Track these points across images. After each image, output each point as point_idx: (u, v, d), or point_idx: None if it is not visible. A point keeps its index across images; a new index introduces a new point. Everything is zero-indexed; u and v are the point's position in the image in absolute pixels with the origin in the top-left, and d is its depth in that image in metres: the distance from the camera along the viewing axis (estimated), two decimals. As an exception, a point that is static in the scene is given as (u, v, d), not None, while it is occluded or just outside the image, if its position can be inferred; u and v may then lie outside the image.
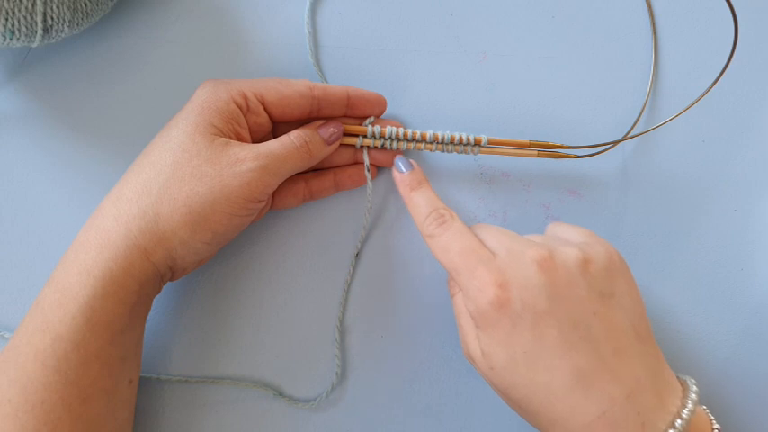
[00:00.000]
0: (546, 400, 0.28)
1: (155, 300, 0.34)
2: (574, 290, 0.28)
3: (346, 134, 0.38)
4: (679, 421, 0.27)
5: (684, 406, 0.28)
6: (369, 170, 0.38)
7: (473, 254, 0.30)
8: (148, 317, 0.34)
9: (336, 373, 0.38)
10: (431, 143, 0.38)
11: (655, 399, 0.28)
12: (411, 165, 0.36)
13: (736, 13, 0.34)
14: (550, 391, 0.28)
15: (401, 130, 0.38)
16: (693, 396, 0.29)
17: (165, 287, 0.35)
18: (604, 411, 0.27)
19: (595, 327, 0.28)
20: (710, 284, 0.40)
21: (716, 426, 0.29)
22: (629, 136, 0.40)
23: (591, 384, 0.27)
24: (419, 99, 0.41)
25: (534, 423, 0.30)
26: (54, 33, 0.35)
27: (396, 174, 0.36)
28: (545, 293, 0.28)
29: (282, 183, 0.35)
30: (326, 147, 0.36)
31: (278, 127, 0.37)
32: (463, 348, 0.33)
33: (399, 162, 0.36)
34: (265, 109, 0.35)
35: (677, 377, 0.30)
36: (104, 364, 0.30)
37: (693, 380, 0.30)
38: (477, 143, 0.38)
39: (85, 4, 0.35)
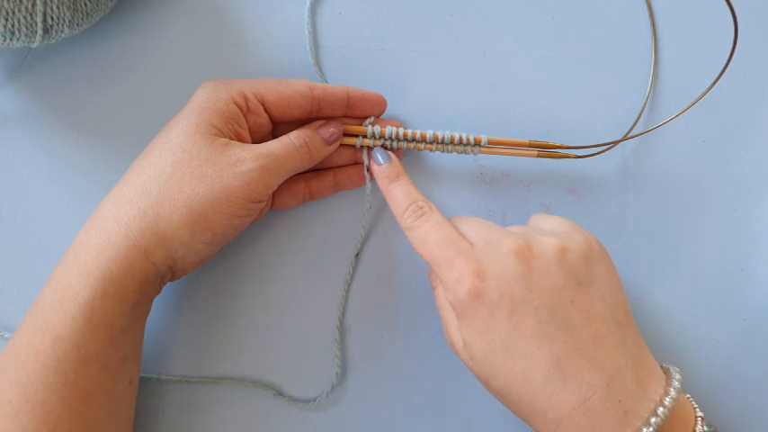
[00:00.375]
0: (525, 390, 0.28)
1: (155, 300, 0.34)
2: (551, 279, 0.29)
3: (346, 134, 0.38)
4: (661, 409, 0.27)
5: (667, 394, 0.28)
6: (368, 170, 0.38)
7: (451, 245, 0.30)
8: (148, 317, 0.34)
9: (336, 373, 0.38)
10: (431, 143, 0.38)
11: (636, 386, 0.28)
12: (389, 156, 0.36)
13: (736, 13, 0.34)
14: (529, 380, 0.28)
15: (401, 130, 0.38)
16: (676, 384, 0.28)
17: (165, 287, 0.35)
18: (584, 400, 0.27)
19: (573, 315, 0.28)
20: (710, 284, 0.40)
21: (699, 413, 0.29)
22: (628, 136, 0.40)
23: (569, 373, 0.27)
24: (419, 99, 0.41)
25: (517, 412, 0.30)
26: (54, 33, 0.35)
27: (374, 166, 0.36)
28: (522, 283, 0.28)
29: (282, 183, 0.35)
30: (326, 147, 0.36)
31: (278, 127, 0.37)
32: (447, 340, 0.33)
33: (377, 154, 0.36)
34: (265, 109, 0.35)
35: (661, 366, 0.30)
36: (104, 365, 0.30)
37: (677, 368, 0.30)
38: (477, 143, 0.38)
39: (85, 4, 0.35)
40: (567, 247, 0.30)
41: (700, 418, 0.29)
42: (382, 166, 0.36)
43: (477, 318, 0.29)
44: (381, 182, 0.36)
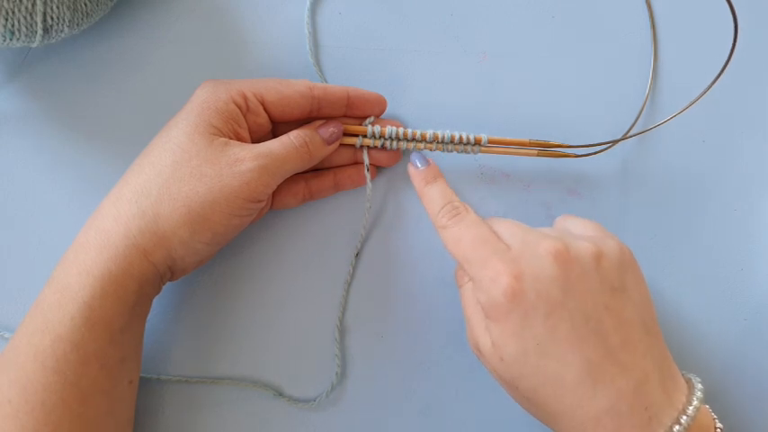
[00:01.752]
0: (554, 392, 0.28)
1: (155, 300, 0.34)
2: (587, 283, 0.28)
3: (346, 134, 0.38)
4: (684, 417, 0.27)
5: (690, 403, 0.28)
6: (368, 170, 0.38)
7: (486, 244, 0.30)
8: (148, 317, 0.34)
9: (336, 373, 0.38)
10: (431, 143, 0.38)
11: (662, 394, 0.28)
12: (427, 161, 0.36)
13: (737, 12, 0.34)
14: (560, 382, 0.28)
15: (401, 130, 0.38)
16: (699, 394, 0.29)
17: (164, 287, 0.35)
18: (613, 405, 0.27)
19: (606, 320, 0.28)
20: (710, 284, 0.40)
21: (719, 425, 0.29)
22: (628, 135, 0.40)
23: (600, 377, 0.27)
24: (419, 99, 0.41)
25: (539, 416, 0.30)
26: (54, 33, 0.35)
27: (411, 169, 0.36)
28: (559, 285, 0.28)
29: (282, 183, 0.35)
30: (326, 147, 0.36)
31: (278, 127, 0.37)
32: (470, 341, 0.33)
33: (415, 158, 0.36)
34: (265, 109, 0.35)
35: (681, 375, 0.30)
36: (104, 365, 0.30)
37: (699, 378, 0.30)
38: (478, 142, 0.38)
39: (85, 4, 0.35)
40: (603, 253, 0.29)
41: (719, 430, 0.29)
42: (420, 169, 0.36)
43: (510, 319, 0.29)
44: (418, 183, 0.35)
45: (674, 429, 0.27)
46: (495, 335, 0.29)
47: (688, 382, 0.30)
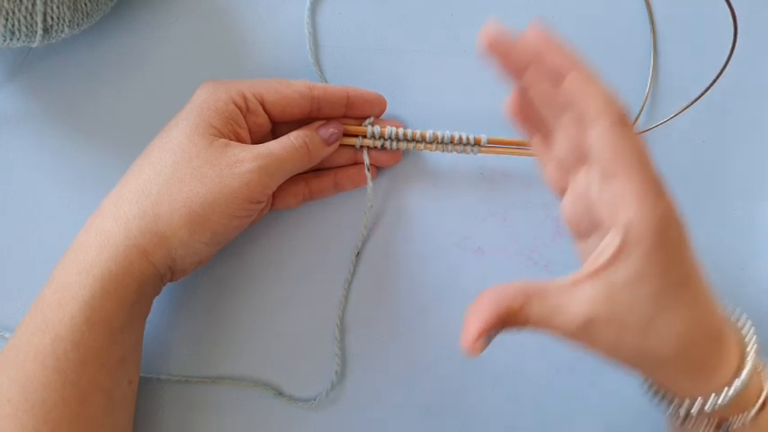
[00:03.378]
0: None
1: (155, 300, 0.34)
2: None
3: (346, 134, 0.37)
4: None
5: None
6: (369, 170, 0.38)
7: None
8: (148, 317, 0.34)
9: (336, 372, 0.38)
10: (431, 143, 0.38)
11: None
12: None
13: (736, 13, 0.34)
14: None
15: (401, 130, 0.38)
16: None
17: (165, 288, 0.35)
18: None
19: None
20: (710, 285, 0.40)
21: None
22: (629, 136, 0.40)
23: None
24: (419, 99, 0.41)
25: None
26: (54, 33, 0.35)
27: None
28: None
29: (282, 183, 0.35)
30: (326, 147, 0.36)
31: (278, 127, 0.37)
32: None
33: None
34: (265, 109, 0.35)
35: None
36: (103, 365, 0.30)
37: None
38: (477, 143, 0.38)
39: (85, 4, 0.35)
40: None
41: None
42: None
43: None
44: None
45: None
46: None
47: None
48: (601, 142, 0.26)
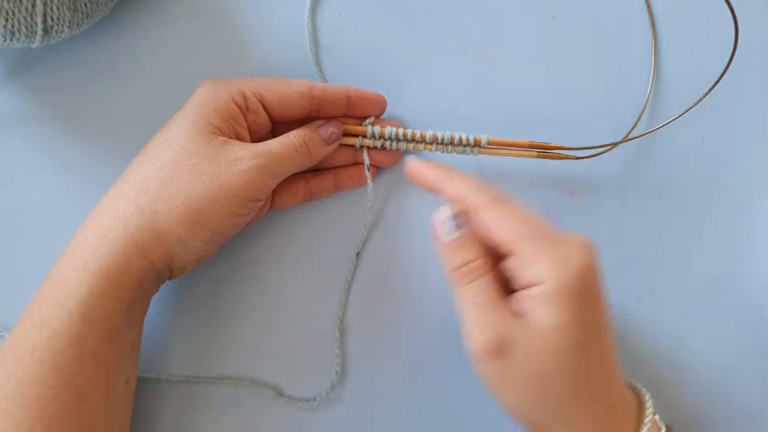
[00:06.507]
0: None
1: (153, 299, 0.34)
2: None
3: (346, 134, 0.38)
4: None
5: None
6: (369, 170, 0.38)
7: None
8: (147, 317, 0.34)
9: (336, 372, 0.38)
10: (431, 143, 0.38)
11: None
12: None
13: (737, 13, 0.34)
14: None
15: (401, 131, 0.38)
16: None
17: (163, 287, 0.35)
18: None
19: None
20: (710, 285, 0.40)
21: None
22: (629, 137, 0.40)
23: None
24: (419, 99, 0.41)
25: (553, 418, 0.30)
26: (54, 34, 0.35)
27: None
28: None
29: (282, 182, 0.35)
30: (326, 147, 0.36)
31: (278, 127, 0.37)
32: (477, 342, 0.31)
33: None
34: (265, 108, 0.35)
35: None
36: (101, 362, 0.30)
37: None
38: (477, 144, 0.38)
39: (85, 5, 0.35)
40: None
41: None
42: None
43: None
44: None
45: None
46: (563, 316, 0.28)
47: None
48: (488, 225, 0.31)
